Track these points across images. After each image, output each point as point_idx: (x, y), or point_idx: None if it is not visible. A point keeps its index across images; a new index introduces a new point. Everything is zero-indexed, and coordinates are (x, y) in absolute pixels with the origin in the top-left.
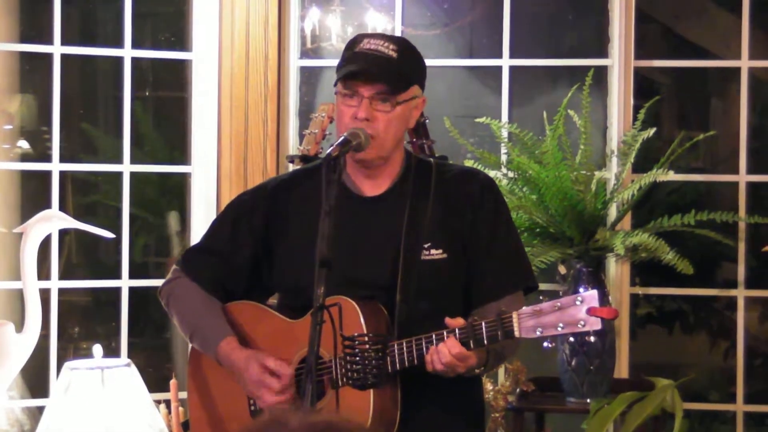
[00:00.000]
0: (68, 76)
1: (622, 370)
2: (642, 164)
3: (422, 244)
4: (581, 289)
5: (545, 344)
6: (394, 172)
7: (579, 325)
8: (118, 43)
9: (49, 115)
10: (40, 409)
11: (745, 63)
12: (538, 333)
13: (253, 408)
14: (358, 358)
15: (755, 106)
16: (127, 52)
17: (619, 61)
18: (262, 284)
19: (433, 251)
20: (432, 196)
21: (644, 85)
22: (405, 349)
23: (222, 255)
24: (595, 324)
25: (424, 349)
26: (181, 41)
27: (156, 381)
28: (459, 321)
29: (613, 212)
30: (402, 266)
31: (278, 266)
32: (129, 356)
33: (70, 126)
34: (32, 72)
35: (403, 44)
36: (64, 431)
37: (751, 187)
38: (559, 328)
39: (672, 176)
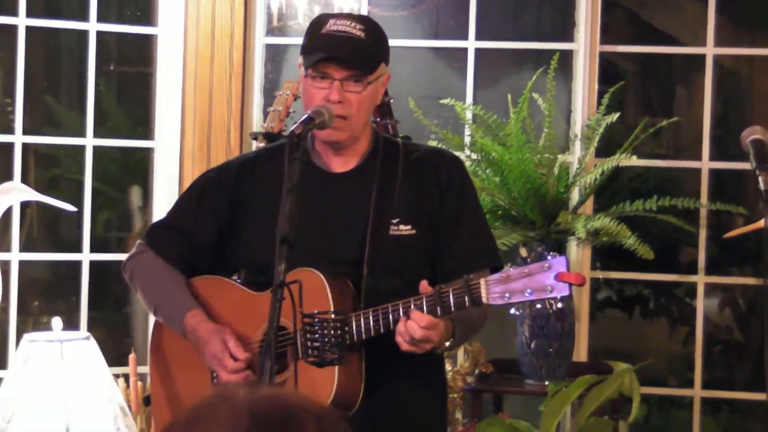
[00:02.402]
0: (32, 48)
1: (581, 353)
2: (605, 149)
3: (390, 219)
4: (548, 256)
5: (512, 311)
6: (362, 150)
7: (547, 291)
8: (84, 17)
9: (12, 88)
10: None
11: (710, 50)
12: (505, 299)
13: (215, 382)
14: (317, 336)
15: (719, 94)
16: (92, 26)
17: (584, 45)
18: (226, 261)
19: (401, 227)
20: (400, 174)
21: (609, 70)
22: (371, 317)
23: (187, 230)
24: (563, 289)
25: (391, 317)
26: (147, 16)
27: (115, 355)
28: (428, 288)
29: (575, 196)
30: (369, 241)
31: (243, 243)
32: (89, 330)
33: (33, 99)
34: None
35: (368, 23)
36: (23, 403)
37: (714, 174)
38: (527, 294)
39: (635, 161)
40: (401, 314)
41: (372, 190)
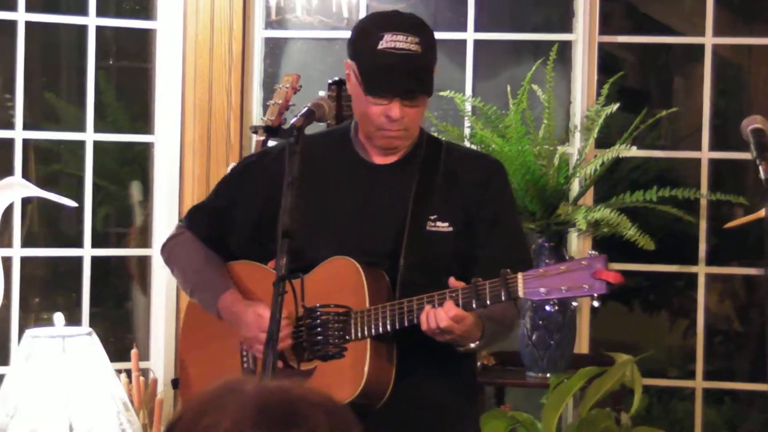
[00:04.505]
0: (32, 44)
1: (582, 345)
2: (605, 140)
3: (428, 215)
4: (589, 253)
5: (547, 308)
6: (409, 144)
7: (584, 288)
8: (83, 11)
9: (12, 83)
10: (1, 378)
11: (708, 40)
12: (541, 294)
13: (245, 366)
14: (319, 329)
15: (718, 84)
16: (92, 21)
17: (583, 36)
18: (264, 245)
19: (439, 223)
20: (441, 171)
21: (608, 61)
22: (405, 308)
23: (225, 214)
24: (601, 288)
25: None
26: (146, 10)
27: (117, 351)
28: (462, 283)
29: (575, 187)
30: (407, 234)
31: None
32: (90, 326)
33: (33, 94)
34: None
35: (420, 31)
36: (25, 399)
37: (713, 164)
38: (563, 290)
39: (634, 152)
40: (436, 306)
41: (412, 185)
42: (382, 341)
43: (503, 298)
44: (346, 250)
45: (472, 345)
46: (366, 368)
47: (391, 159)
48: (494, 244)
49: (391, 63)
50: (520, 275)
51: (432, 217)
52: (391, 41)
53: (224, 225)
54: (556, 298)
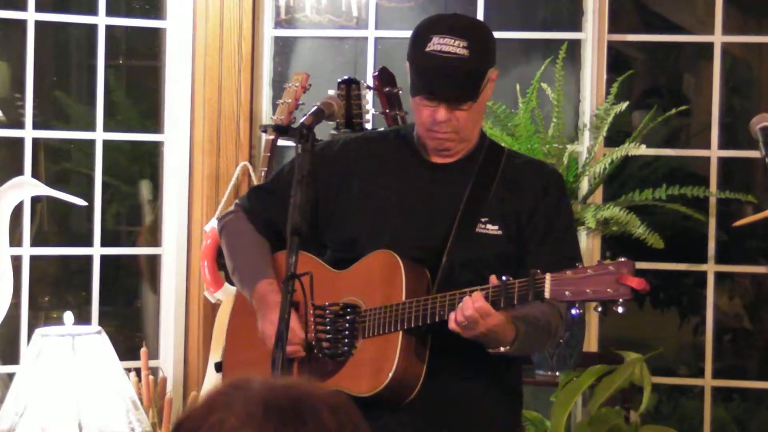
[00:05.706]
0: (41, 43)
1: (591, 343)
2: (614, 138)
3: (480, 217)
4: (620, 258)
5: (573, 311)
6: (466, 147)
7: (608, 292)
8: (93, 11)
9: (22, 83)
10: (11, 376)
11: (718, 38)
12: (566, 296)
13: None
14: (328, 328)
15: (727, 82)
16: (102, 20)
17: (592, 34)
18: (315, 235)
19: (489, 226)
20: (498, 176)
21: (617, 59)
22: (438, 303)
23: (281, 199)
24: (626, 293)
25: (457, 303)
26: (156, 9)
27: (127, 349)
28: (495, 281)
29: (584, 186)
30: (454, 233)
31: (335, 219)
32: (100, 324)
33: (42, 93)
34: (5, 39)
35: (471, 35)
36: (35, 397)
37: (723, 162)
38: (588, 293)
39: (643, 150)
40: None
41: (467, 186)
42: (415, 337)
43: (530, 298)
44: (395, 243)
45: (502, 349)
46: (394, 363)
47: (449, 159)
48: (546, 252)
49: (435, 66)
50: (547, 276)
51: (483, 220)
52: (437, 44)
53: (278, 210)
54: (581, 300)
